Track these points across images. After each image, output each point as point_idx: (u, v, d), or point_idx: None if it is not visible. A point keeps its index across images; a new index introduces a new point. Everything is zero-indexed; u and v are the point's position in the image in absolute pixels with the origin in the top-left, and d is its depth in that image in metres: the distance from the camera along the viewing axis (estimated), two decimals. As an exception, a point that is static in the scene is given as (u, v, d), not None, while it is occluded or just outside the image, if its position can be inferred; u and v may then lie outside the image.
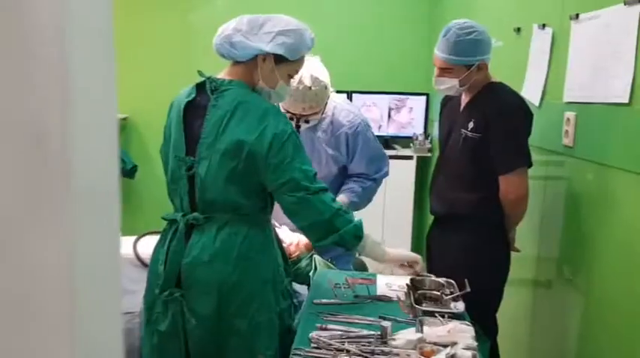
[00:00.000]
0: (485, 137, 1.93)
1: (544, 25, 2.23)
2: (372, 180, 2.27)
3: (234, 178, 1.50)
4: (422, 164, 4.12)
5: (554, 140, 2.06)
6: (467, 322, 1.33)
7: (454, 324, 1.26)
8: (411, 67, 4.25)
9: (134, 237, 2.22)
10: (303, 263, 2.06)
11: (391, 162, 4.00)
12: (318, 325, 1.40)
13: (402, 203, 4.07)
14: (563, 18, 2.07)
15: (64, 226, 0.39)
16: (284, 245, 2.06)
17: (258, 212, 1.57)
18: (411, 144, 4.14)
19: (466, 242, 2.01)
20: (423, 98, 4.18)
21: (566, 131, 1.99)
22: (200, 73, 1.58)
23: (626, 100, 1.64)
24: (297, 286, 2.02)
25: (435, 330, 1.28)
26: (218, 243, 1.52)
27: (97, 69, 0.43)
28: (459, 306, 1.39)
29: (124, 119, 4.17)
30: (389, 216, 4.09)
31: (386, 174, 2.33)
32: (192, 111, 1.57)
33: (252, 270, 1.54)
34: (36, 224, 0.39)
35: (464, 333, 1.26)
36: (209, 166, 1.51)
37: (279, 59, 1.56)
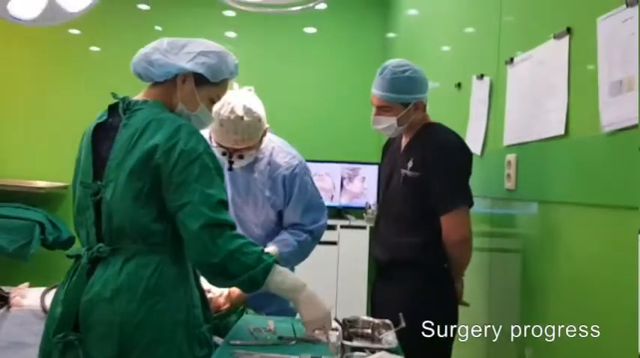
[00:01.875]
0: (424, 176, 1.84)
1: (482, 75, 2.24)
2: (308, 233, 2.08)
3: (142, 199, 1.35)
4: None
5: (497, 186, 2.00)
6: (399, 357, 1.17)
7: (381, 353, 1.09)
8: (363, 136, 4.26)
9: (43, 289, 1.99)
10: (234, 317, 1.86)
11: (344, 232, 3.99)
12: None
13: (355, 273, 3.93)
14: (499, 65, 2.08)
15: None
16: (210, 295, 1.86)
17: (171, 241, 1.39)
18: (364, 214, 4.04)
19: (411, 291, 1.86)
20: (376, 167, 4.15)
21: (508, 174, 1.93)
22: (114, 95, 1.48)
23: (562, 132, 1.60)
24: (220, 340, 1.81)
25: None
26: (123, 275, 1.34)
27: None
28: (391, 340, 1.22)
29: (65, 187, 3.99)
30: (342, 287, 3.92)
31: (323, 226, 2.14)
32: (103, 134, 1.44)
33: (162, 309, 1.34)
34: None
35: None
36: (115, 188, 1.36)
37: (200, 81, 1.47)
